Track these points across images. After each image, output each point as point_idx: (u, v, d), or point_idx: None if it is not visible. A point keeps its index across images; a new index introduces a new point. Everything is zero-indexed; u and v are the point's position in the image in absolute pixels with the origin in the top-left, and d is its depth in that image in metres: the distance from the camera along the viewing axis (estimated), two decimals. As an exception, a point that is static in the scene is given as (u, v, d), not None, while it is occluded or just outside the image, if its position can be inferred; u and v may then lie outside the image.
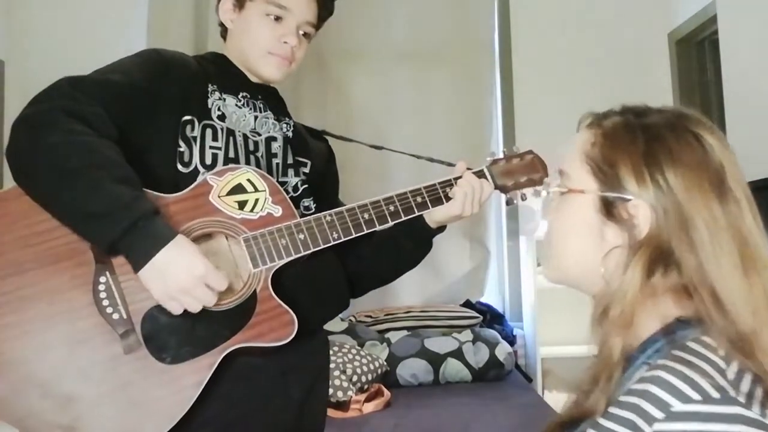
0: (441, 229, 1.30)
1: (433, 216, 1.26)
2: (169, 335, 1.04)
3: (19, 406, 0.99)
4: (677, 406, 0.62)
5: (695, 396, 0.62)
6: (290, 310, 1.09)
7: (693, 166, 0.72)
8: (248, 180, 1.12)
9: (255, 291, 1.09)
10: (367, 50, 3.53)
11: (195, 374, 1.04)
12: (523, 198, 1.31)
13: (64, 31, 3.23)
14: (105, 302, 1.02)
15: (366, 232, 1.17)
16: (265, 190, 1.13)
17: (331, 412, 2.51)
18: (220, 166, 1.15)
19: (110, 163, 1.02)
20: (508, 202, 1.32)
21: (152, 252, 0.99)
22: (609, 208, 0.76)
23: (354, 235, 1.16)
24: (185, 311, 1.03)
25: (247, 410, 1.13)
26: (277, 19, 1.21)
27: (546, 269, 0.86)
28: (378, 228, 1.17)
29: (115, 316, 1.02)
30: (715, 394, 0.62)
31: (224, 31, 1.30)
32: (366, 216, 1.16)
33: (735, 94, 2.70)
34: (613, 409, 0.66)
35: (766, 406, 0.64)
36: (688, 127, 0.75)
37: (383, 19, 3.52)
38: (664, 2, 3.49)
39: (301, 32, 1.24)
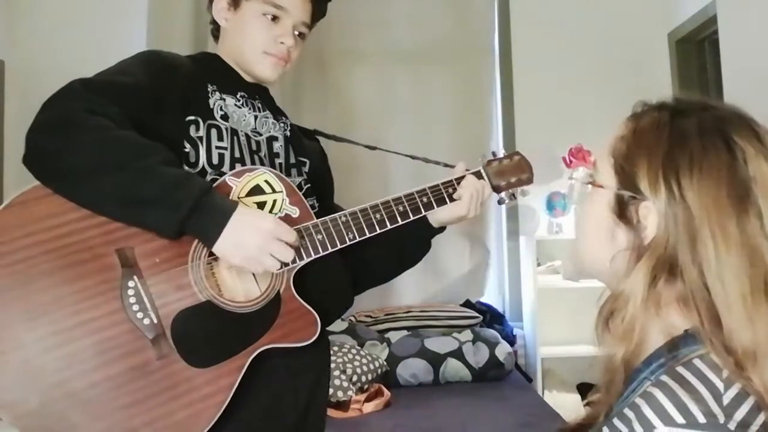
0: (441, 229, 1.33)
1: (438, 217, 1.28)
2: (200, 339, 1.04)
3: (51, 419, 0.98)
4: (660, 428, 0.62)
5: (679, 419, 0.61)
6: (313, 310, 1.11)
7: (712, 175, 0.68)
8: (266, 181, 1.13)
9: (279, 292, 1.10)
10: (368, 50, 3.53)
11: (226, 377, 1.04)
12: (513, 198, 1.36)
13: (64, 31, 3.23)
14: (135, 307, 1.02)
15: (378, 231, 1.18)
16: (282, 191, 1.13)
17: (331, 412, 2.51)
18: (226, 166, 1.15)
19: (152, 149, 1.03)
20: (500, 202, 1.36)
21: (222, 224, 1.01)
22: (622, 208, 0.74)
23: (368, 235, 1.17)
24: (215, 314, 1.04)
25: (260, 410, 1.13)
26: (274, 18, 1.21)
27: (563, 263, 0.85)
28: (389, 227, 1.19)
29: (146, 321, 1.02)
30: (702, 419, 0.61)
31: (216, 30, 1.29)
32: (378, 216, 1.18)
33: (735, 94, 2.69)
34: (614, 420, 0.66)
35: None
36: (723, 131, 0.70)
37: (383, 19, 3.52)
38: (664, 2, 3.50)
39: (296, 32, 1.25)
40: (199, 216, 1.01)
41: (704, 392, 0.63)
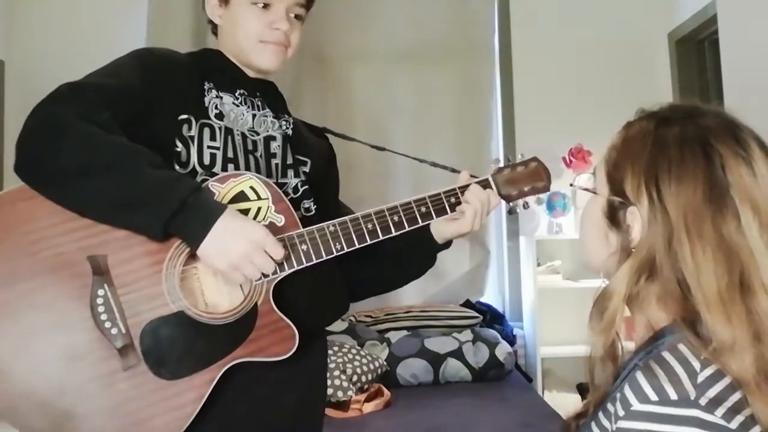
0: (446, 245, 1.28)
1: (441, 233, 1.25)
2: (169, 350, 1.02)
3: (16, 424, 0.97)
4: (636, 405, 0.66)
5: (653, 397, 0.66)
6: (291, 324, 1.07)
7: (689, 180, 0.72)
8: (251, 187, 1.09)
9: (256, 304, 1.06)
10: (368, 51, 3.52)
11: (194, 390, 1.02)
12: (525, 206, 1.28)
13: (64, 31, 3.23)
14: (103, 316, 1.00)
15: (369, 242, 1.14)
16: (267, 198, 1.09)
17: (331, 412, 2.51)
18: (218, 166, 1.13)
19: (139, 152, 1.01)
20: (511, 211, 1.28)
21: (208, 226, 0.98)
22: (613, 213, 0.79)
23: (357, 246, 1.13)
24: (187, 325, 1.03)
25: (239, 419, 1.11)
26: (265, 6, 1.19)
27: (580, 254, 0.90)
28: (381, 239, 1.15)
29: (114, 330, 1.00)
30: (673, 396, 0.65)
31: (215, 28, 1.27)
32: (369, 226, 1.13)
33: (735, 94, 2.69)
34: (608, 405, 0.71)
35: (738, 411, 0.65)
36: (703, 138, 0.74)
37: (384, 20, 3.51)
38: (664, 2, 3.49)
39: (291, 15, 1.22)
40: (185, 215, 0.98)
41: (681, 372, 0.67)
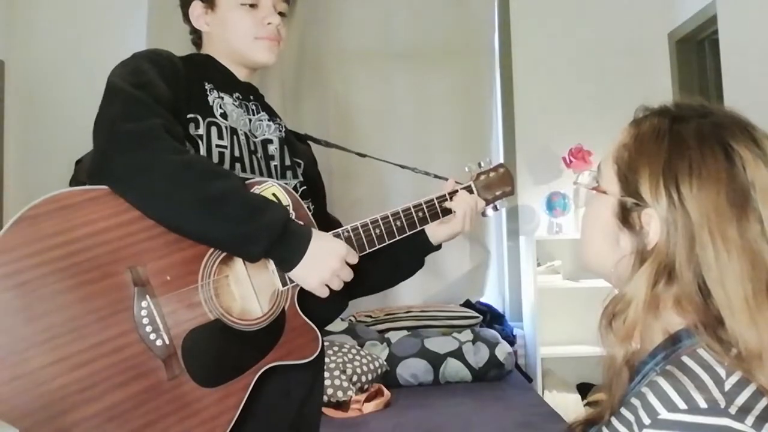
0: (438, 247, 1.36)
1: (436, 236, 1.32)
2: (209, 358, 1.04)
3: None
4: (663, 414, 0.63)
5: (682, 405, 0.63)
6: (315, 327, 1.13)
7: (711, 182, 0.69)
8: (273, 194, 1.12)
9: (284, 309, 1.11)
10: (367, 50, 3.52)
11: (233, 396, 1.05)
12: (495, 209, 1.38)
13: (64, 31, 3.23)
14: (147, 328, 1.00)
15: (378, 246, 1.20)
16: (289, 205, 1.13)
17: (331, 412, 2.51)
18: (225, 166, 1.15)
19: (229, 173, 1.08)
20: (483, 214, 1.38)
21: (303, 250, 1.06)
22: (625, 214, 0.75)
23: (368, 251, 1.18)
24: (224, 332, 1.05)
25: (253, 415, 1.13)
26: (252, 6, 1.23)
27: (578, 255, 0.88)
28: (386, 243, 1.21)
29: (158, 342, 1.01)
30: (703, 405, 0.63)
31: (198, 38, 1.30)
32: (377, 231, 1.20)
33: (735, 94, 2.69)
34: (622, 410, 0.68)
35: (766, 419, 0.63)
36: (721, 137, 0.71)
37: (383, 19, 3.51)
38: (664, 2, 3.49)
39: (276, 11, 1.26)
40: (283, 241, 1.04)
41: (707, 379, 0.65)
